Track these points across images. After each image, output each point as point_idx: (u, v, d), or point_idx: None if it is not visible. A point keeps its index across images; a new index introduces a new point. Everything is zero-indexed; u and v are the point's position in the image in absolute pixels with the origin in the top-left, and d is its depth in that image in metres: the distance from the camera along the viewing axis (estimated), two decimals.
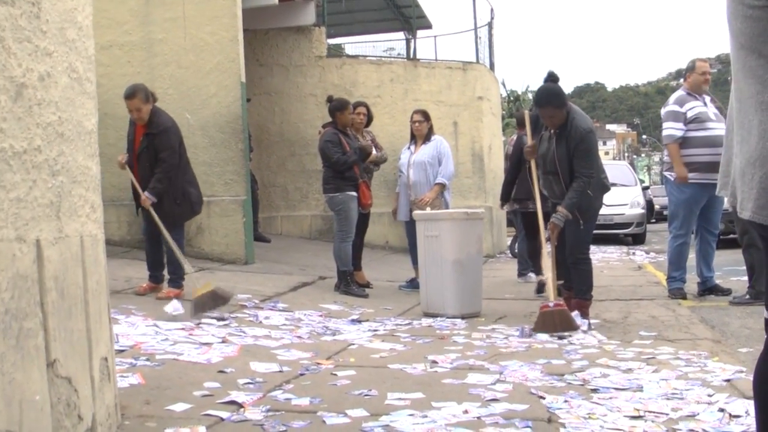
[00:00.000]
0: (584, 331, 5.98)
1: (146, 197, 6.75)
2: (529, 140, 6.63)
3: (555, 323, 6.02)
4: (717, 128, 7.66)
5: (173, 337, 5.37)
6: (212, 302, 6.46)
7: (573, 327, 6.03)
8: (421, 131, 8.80)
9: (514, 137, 10.20)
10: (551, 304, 6.13)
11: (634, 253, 14.50)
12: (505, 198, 8.78)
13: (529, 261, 10.06)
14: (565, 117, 6.26)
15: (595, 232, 13.83)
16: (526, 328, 6.07)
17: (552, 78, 6.42)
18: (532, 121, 6.59)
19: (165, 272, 7.05)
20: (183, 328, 5.67)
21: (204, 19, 9.26)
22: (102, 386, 3.15)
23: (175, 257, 6.84)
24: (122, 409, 3.56)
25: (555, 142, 6.31)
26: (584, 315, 6.30)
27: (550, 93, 6.32)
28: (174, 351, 4.95)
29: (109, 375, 3.29)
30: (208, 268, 8.54)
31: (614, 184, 16.68)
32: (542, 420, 3.60)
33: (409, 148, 8.98)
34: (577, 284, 6.41)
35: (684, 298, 7.71)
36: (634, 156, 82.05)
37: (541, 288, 8.53)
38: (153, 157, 6.80)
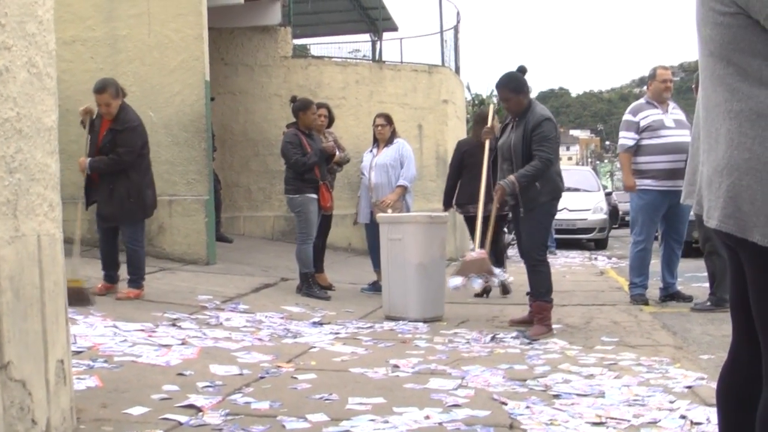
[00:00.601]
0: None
1: (84, 161, 6.73)
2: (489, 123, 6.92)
3: (474, 269, 6.49)
4: (674, 135, 7.72)
5: (132, 338, 5.29)
6: (78, 299, 6.12)
7: (487, 270, 6.55)
8: (384, 135, 8.80)
9: None
10: (474, 254, 6.57)
11: (596, 258, 14.62)
12: (448, 203, 8.88)
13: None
14: (522, 104, 6.37)
15: (557, 236, 13.93)
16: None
17: (520, 69, 6.59)
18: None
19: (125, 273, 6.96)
20: (142, 330, 5.59)
21: (169, 16, 9.15)
22: (57, 389, 3.09)
23: (135, 257, 6.75)
24: (78, 413, 3.49)
25: (513, 129, 6.43)
26: (545, 319, 6.32)
27: (508, 76, 6.48)
28: (133, 353, 4.88)
29: (65, 378, 3.23)
30: (169, 268, 8.45)
31: (577, 190, 17.05)
32: (504, 426, 3.60)
33: (371, 151, 8.97)
34: (535, 287, 6.44)
35: (646, 303, 7.76)
36: (597, 162, 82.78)
37: (506, 289, 8.59)
38: (113, 151, 6.72)
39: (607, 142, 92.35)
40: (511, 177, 6.24)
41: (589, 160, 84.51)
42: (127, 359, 4.71)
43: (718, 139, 2.11)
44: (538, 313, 6.33)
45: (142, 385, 4.16)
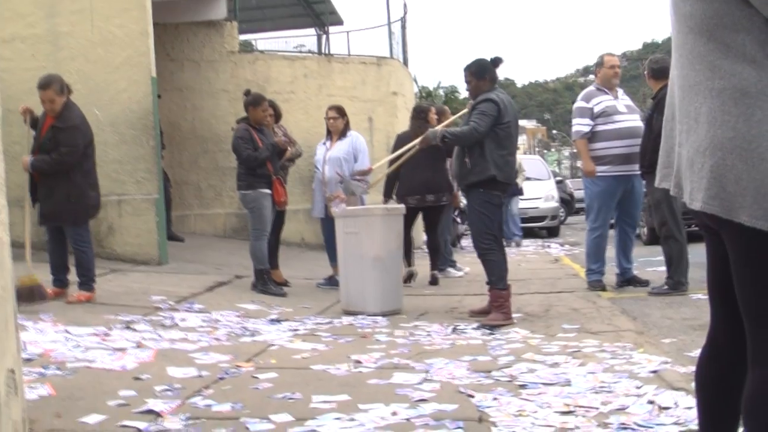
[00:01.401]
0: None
1: (26, 160, 6.53)
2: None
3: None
4: (627, 120, 7.82)
5: (85, 342, 5.14)
6: (30, 297, 6.21)
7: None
8: (336, 127, 8.70)
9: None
10: None
11: (549, 246, 14.70)
12: (387, 194, 8.94)
13: (446, 256, 10.08)
14: (479, 89, 6.51)
15: (527, 225, 13.76)
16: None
17: (494, 60, 6.67)
18: None
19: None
20: (95, 333, 5.43)
21: (112, 12, 8.92)
22: (9, 401, 2.95)
23: (84, 259, 6.57)
24: (31, 424, 3.34)
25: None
26: (501, 306, 6.31)
27: (475, 61, 6.65)
28: (86, 358, 4.73)
29: (17, 388, 3.08)
30: (120, 270, 8.24)
31: (528, 179, 17.11)
32: (473, 420, 3.54)
33: (324, 143, 8.86)
34: (488, 275, 6.46)
35: (603, 289, 7.79)
36: (544, 151, 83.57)
37: (408, 277, 8.70)
38: (54, 150, 6.52)
39: (554, 131, 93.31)
40: (438, 128, 6.59)
41: (537, 149, 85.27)
42: (80, 365, 4.56)
43: (698, 118, 2.06)
44: (494, 301, 6.34)
45: (98, 392, 4.02)
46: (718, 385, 2.30)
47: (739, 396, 2.30)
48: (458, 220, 13.17)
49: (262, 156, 7.83)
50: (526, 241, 15.73)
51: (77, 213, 6.64)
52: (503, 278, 6.40)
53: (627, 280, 7.98)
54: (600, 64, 8.13)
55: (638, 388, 4.00)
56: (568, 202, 23.67)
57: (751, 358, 2.08)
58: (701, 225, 2.26)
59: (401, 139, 8.78)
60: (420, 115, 9.10)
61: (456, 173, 6.74)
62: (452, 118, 9.11)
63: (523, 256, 12.42)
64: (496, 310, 6.30)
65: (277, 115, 9.11)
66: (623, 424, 3.43)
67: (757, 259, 2.02)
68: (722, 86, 2.00)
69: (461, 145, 6.42)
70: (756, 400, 2.04)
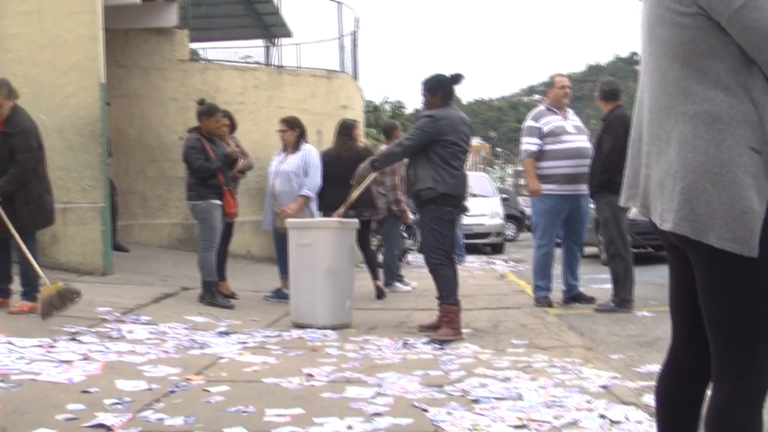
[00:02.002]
0: None
1: None
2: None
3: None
4: (576, 141, 7.94)
5: (29, 355, 5.01)
6: (61, 302, 6.20)
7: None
8: (286, 140, 8.61)
9: (381, 148, 10.21)
10: None
11: (494, 263, 14.81)
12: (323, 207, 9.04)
13: (394, 271, 10.09)
14: (432, 105, 6.54)
15: (467, 241, 13.92)
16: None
17: (454, 77, 6.63)
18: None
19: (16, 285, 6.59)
20: (40, 345, 5.30)
21: (61, 15, 8.75)
22: None
23: (28, 268, 6.41)
24: None
25: None
26: (451, 322, 6.33)
27: (431, 77, 6.66)
28: (31, 370, 4.61)
29: None
30: (63, 279, 8.04)
31: (474, 195, 17.23)
32: None
33: (279, 155, 8.78)
34: (438, 290, 6.49)
35: (550, 306, 7.87)
36: (488, 168, 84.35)
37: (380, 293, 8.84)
38: (7, 157, 6.34)
39: (498, 149, 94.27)
40: (364, 163, 6.76)
41: (480, 166, 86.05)
42: (25, 377, 4.44)
43: (669, 141, 2.10)
44: (444, 316, 6.37)
45: (45, 405, 3.92)
46: (677, 400, 2.34)
47: (698, 411, 2.35)
48: (404, 234, 13.19)
49: (213, 167, 7.74)
50: (471, 258, 15.82)
51: (38, 220, 6.51)
52: (454, 293, 6.43)
53: (573, 296, 8.09)
54: (551, 84, 8.26)
55: (589, 402, 4.05)
56: (519, 219, 23.88)
57: (715, 376, 2.13)
58: (666, 245, 2.30)
59: (326, 156, 8.86)
60: (345, 131, 9.10)
61: (407, 190, 6.77)
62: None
63: (470, 272, 12.47)
64: (446, 325, 6.32)
65: (233, 126, 9.02)
66: None
67: (724, 280, 2.06)
68: (695, 111, 2.04)
69: (392, 163, 6.54)
70: (717, 417, 2.09)
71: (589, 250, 11.95)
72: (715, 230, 1.99)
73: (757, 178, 1.99)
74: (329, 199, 8.38)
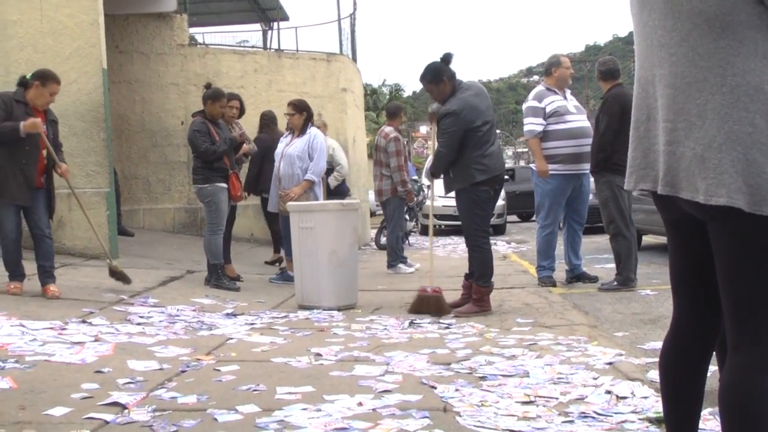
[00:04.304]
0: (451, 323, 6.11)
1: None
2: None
3: (429, 307, 6.46)
4: (577, 121, 7.98)
5: (42, 337, 5.07)
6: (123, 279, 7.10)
7: (446, 312, 6.43)
8: (294, 123, 8.60)
9: (384, 129, 10.24)
10: (428, 289, 6.56)
11: (496, 244, 14.84)
12: (250, 188, 9.84)
13: (397, 252, 10.15)
14: (444, 93, 6.54)
15: (454, 223, 14.13)
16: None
17: (444, 57, 6.61)
18: None
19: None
20: (51, 327, 5.36)
21: (62, 1, 8.74)
22: None
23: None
24: None
25: None
26: (478, 300, 6.47)
27: (426, 69, 6.61)
28: (45, 352, 4.67)
29: None
30: (71, 264, 8.13)
31: None
32: (438, 409, 3.60)
33: (286, 137, 8.78)
34: (473, 270, 6.62)
35: (554, 285, 7.94)
36: None
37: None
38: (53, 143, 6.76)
39: (498, 131, 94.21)
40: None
41: None
42: (39, 359, 4.51)
43: (704, 115, 2.08)
44: (475, 294, 6.53)
45: (60, 385, 3.99)
46: (682, 372, 2.38)
47: (702, 383, 2.40)
48: (407, 217, 13.25)
49: (219, 150, 7.78)
50: None
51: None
52: (485, 276, 6.54)
53: (576, 276, 8.14)
54: (557, 64, 8.18)
55: (595, 378, 4.11)
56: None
57: (732, 346, 2.14)
58: (673, 221, 2.32)
59: (265, 141, 9.54)
60: (265, 122, 10.12)
61: (445, 186, 6.76)
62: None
63: None
64: (474, 303, 6.49)
65: (242, 111, 9.03)
66: (583, 412, 3.52)
67: (760, 250, 2.07)
68: (736, 83, 2.03)
69: (444, 169, 6.51)
70: (733, 386, 2.11)
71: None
72: None
73: None
74: (267, 182, 8.97)
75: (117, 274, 7.14)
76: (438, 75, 6.53)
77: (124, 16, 12.18)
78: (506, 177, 10.27)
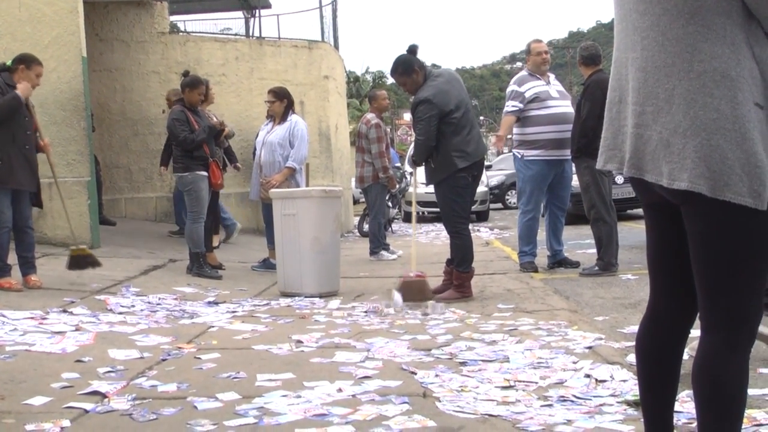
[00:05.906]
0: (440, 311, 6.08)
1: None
2: None
3: (413, 292, 6.33)
4: (559, 106, 8.00)
5: (22, 326, 5.06)
6: (86, 264, 6.88)
7: (428, 297, 6.33)
8: (274, 110, 8.60)
9: (367, 116, 10.24)
10: (412, 275, 6.49)
11: (479, 230, 14.91)
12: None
13: (380, 239, 10.16)
14: (417, 83, 6.55)
15: (437, 210, 14.27)
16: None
17: (410, 49, 6.63)
18: None
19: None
20: (32, 317, 5.35)
21: None
22: None
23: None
24: None
25: None
26: (461, 286, 6.49)
27: (396, 62, 6.63)
28: (25, 341, 4.67)
29: None
30: (52, 254, 8.09)
31: None
32: (417, 395, 3.62)
33: (266, 125, 8.77)
34: (453, 257, 6.64)
35: (535, 271, 7.97)
36: None
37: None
38: None
39: (481, 117, 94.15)
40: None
41: None
42: (19, 348, 4.51)
43: (671, 100, 2.10)
44: (456, 280, 6.55)
45: (40, 374, 3.99)
46: (658, 354, 2.41)
47: (679, 364, 2.43)
48: (389, 204, 13.26)
49: (198, 138, 7.76)
50: None
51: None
52: (464, 261, 6.56)
53: (558, 261, 8.18)
54: (528, 51, 8.27)
55: (575, 363, 4.15)
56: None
57: (705, 328, 2.18)
58: (648, 204, 2.35)
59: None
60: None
61: (428, 178, 6.85)
62: None
63: None
64: (455, 289, 6.51)
65: (206, 97, 8.94)
66: (562, 396, 3.56)
67: (728, 233, 2.09)
68: (702, 68, 2.05)
69: (425, 157, 6.50)
70: (706, 367, 2.15)
71: None
72: (731, 186, 2.02)
73: (762, 133, 2.04)
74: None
75: (82, 260, 6.86)
76: (409, 66, 6.55)
77: (103, 4, 12.09)
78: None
